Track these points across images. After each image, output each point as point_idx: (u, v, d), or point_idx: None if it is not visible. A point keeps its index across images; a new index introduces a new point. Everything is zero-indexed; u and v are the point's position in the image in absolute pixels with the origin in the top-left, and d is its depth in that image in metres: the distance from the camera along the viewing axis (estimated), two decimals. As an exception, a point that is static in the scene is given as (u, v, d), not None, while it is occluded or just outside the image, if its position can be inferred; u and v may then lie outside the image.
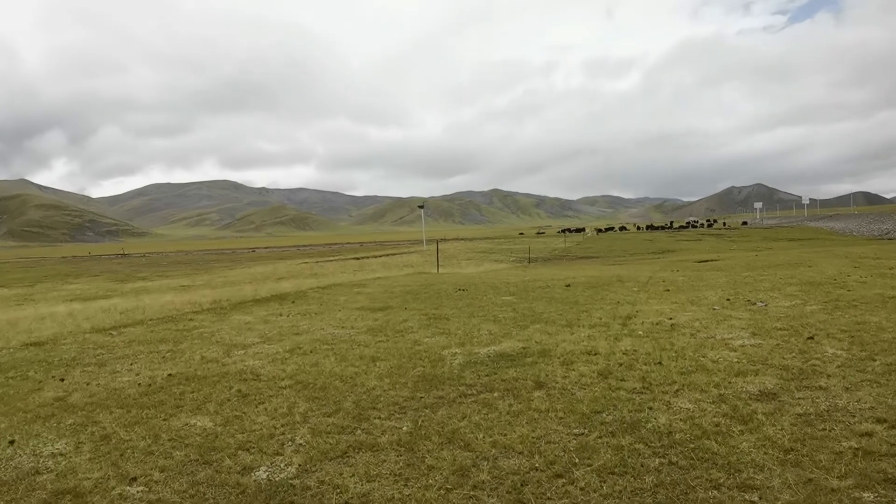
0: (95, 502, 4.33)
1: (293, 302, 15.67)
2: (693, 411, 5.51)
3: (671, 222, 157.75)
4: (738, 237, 79.78)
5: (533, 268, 39.25)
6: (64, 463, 5.03)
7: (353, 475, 4.56)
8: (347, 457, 4.92)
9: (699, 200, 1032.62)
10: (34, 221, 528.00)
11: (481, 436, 5.20)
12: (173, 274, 56.19)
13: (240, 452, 5.11)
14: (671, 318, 10.38)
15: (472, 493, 4.22)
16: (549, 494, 4.14)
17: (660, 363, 7.17)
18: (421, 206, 75.27)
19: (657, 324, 9.94)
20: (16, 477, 4.79)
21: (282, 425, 5.70)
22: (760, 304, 11.89)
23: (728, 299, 12.60)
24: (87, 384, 7.62)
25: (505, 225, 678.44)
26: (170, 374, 7.88)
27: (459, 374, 7.21)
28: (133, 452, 5.23)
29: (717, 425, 5.16)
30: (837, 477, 4.14)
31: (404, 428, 5.49)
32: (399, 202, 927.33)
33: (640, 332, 9.19)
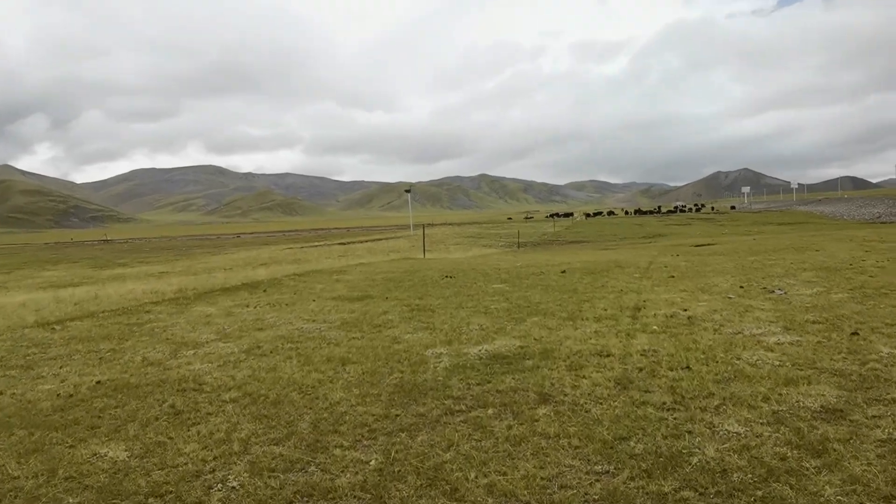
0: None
1: (265, 291, 14.30)
2: (747, 437, 4.26)
3: (659, 207, 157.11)
4: (728, 221, 78.99)
5: (524, 252, 38.01)
6: None
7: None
8: (292, 510, 3.65)
9: (686, 185, 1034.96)
10: (18, 207, 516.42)
11: (473, 475, 3.93)
12: (154, 260, 54.41)
13: (150, 501, 3.81)
14: (686, 310, 9.14)
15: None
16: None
17: (688, 368, 5.90)
18: (408, 191, 73.79)
19: (671, 316, 8.69)
20: None
21: (214, 458, 4.40)
22: (779, 291, 10.73)
23: (741, 286, 11.43)
24: (1, 394, 6.33)
25: (493, 210, 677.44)
26: (98, 382, 6.56)
27: (445, 382, 5.91)
28: (13, 498, 3.93)
29: (783, 458, 3.91)
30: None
31: (372, 462, 4.20)
32: (386, 187, 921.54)
33: (655, 327, 7.92)
